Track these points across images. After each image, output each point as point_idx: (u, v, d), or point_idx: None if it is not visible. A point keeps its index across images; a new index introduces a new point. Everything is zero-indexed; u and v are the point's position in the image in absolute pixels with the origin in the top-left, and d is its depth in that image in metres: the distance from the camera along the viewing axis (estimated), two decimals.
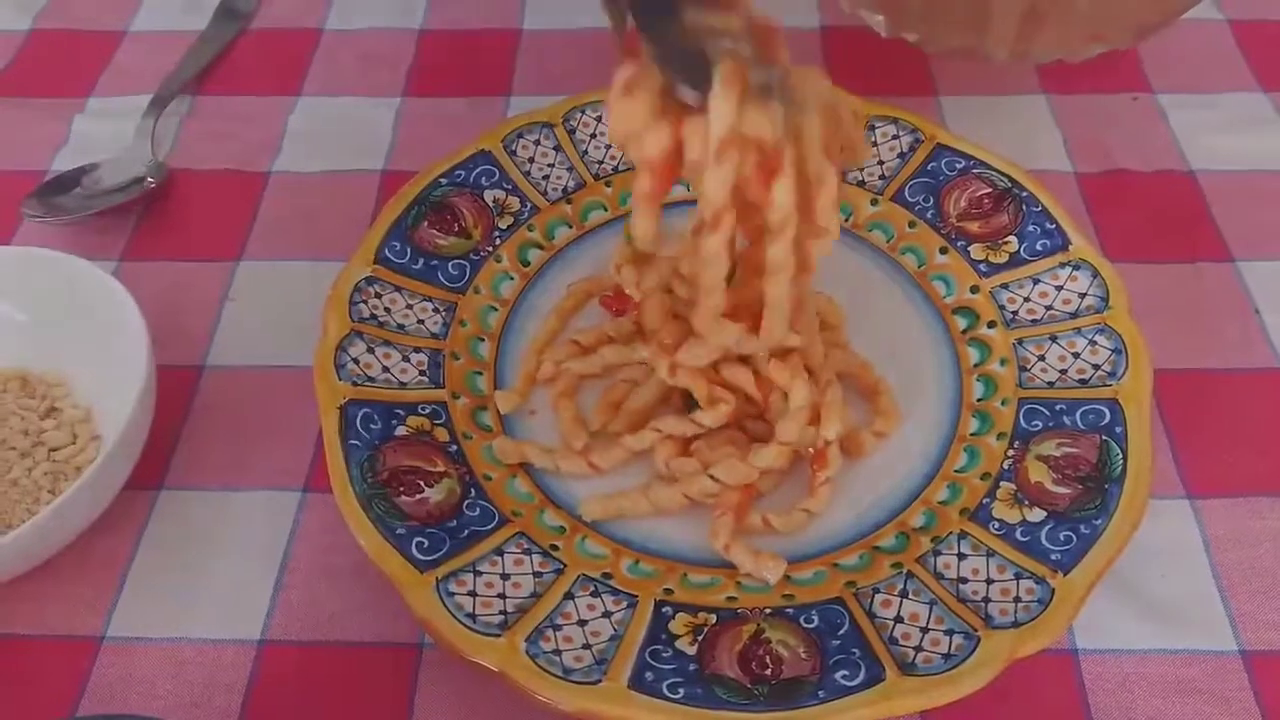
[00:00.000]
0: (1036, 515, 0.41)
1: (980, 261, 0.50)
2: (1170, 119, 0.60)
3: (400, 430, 0.44)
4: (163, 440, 0.47)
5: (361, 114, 0.61)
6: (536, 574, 0.40)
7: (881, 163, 0.53)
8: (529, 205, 0.53)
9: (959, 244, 0.50)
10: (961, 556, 0.40)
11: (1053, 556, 0.39)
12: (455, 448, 0.44)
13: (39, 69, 0.65)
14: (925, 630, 0.38)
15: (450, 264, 0.50)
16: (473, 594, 0.39)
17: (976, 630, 0.37)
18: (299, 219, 0.56)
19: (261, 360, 0.50)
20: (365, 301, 0.47)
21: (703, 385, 0.43)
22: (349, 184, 0.58)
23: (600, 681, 0.36)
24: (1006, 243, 0.50)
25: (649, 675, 0.37)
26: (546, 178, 0.54)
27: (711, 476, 0.42)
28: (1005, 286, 0.48)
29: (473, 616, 0.38)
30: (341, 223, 0.56)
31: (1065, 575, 0.38)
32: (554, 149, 0.54)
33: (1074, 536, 0.39)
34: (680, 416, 0.43)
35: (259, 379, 0.50)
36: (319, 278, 0.51)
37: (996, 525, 0.41)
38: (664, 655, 0.37)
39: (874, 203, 0.52)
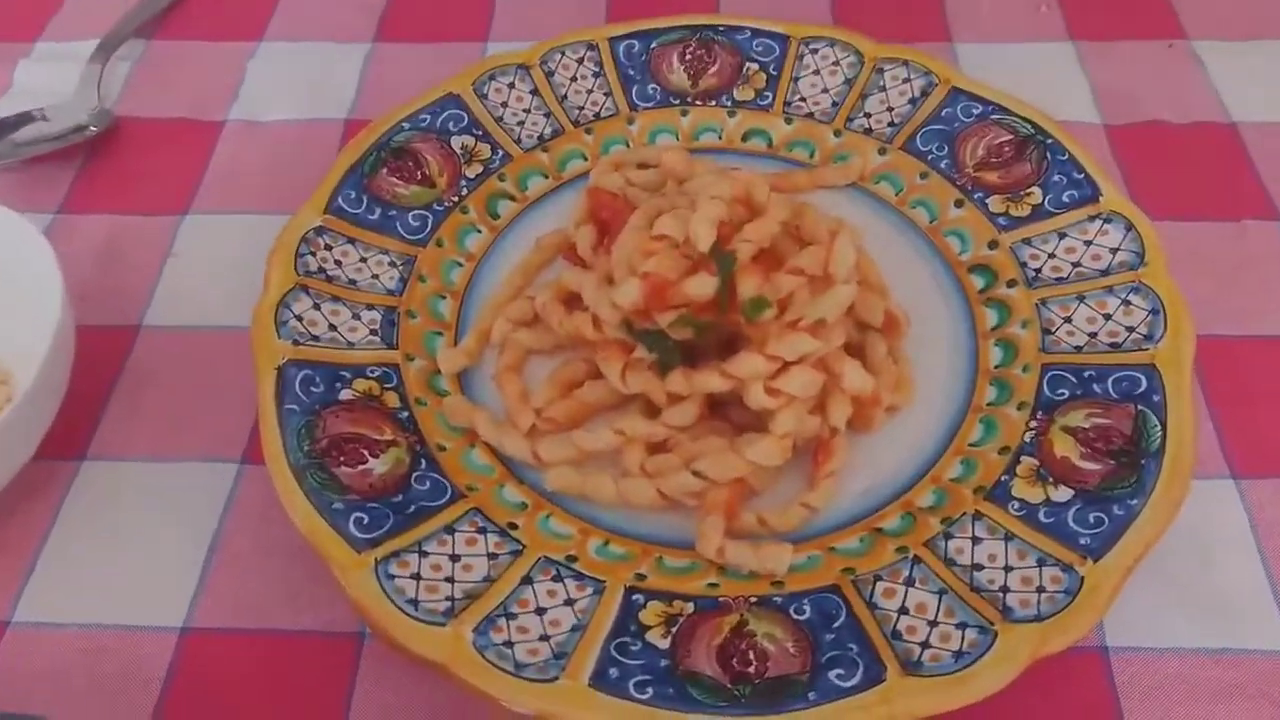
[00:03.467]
0: (1062, 494, 0.36)
1: (999, 215, 0.45)
2: (1208, 66, 0.55)
3: (345, 394, 0.39)
4: (88, 405, 0.43)
5: (327, 60, 0.57)
6: (491, 555, 0.35)
7: (891, 108, 0.48)
8: (501, 153, 0.48)
9: (976, 196, 0.45)
10: (976, 540, 0.35)
11: (1081, 541, 0.34)
12: (406, 414, 0.39)
13: None
14: (934, 624, 0.33)
15: (410, 214, 0.45)
16: (416, 577, 0.34)
17: (993, 624, 0.32)
18: (253, 171, 0.52)
19: (203, 321, 0.46)
20: (314, 253, 0.43)
21: (659, 390, 0.38)
22: (310, 134, 0.53)
23: (557, 679, 0.32)
24: (1029, 194, 0.45)
25: (614, 672, 0.32)
26: (521, 123, 0.49)
27: (696, 473, 0.36)
28: (1027, 242, 0.43)
29: (414, 602, 0.33)
30: (300, 175, 0.51)
31: (1096, 562, 0.33)
32: (530, 93, 0.50)
33: (1105, 518, 0.35)
34: (646, 418, 0.38)
35: (200, 340, 0.45)
36: (269, 233, 0.46)
37: (1016, 505, 0.36)
38: (632, 649, 0.33)
39: (882, 152, 0.48)
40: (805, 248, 0.39)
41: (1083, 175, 0.44)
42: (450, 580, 0.34)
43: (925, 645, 0.32)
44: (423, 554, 0.35)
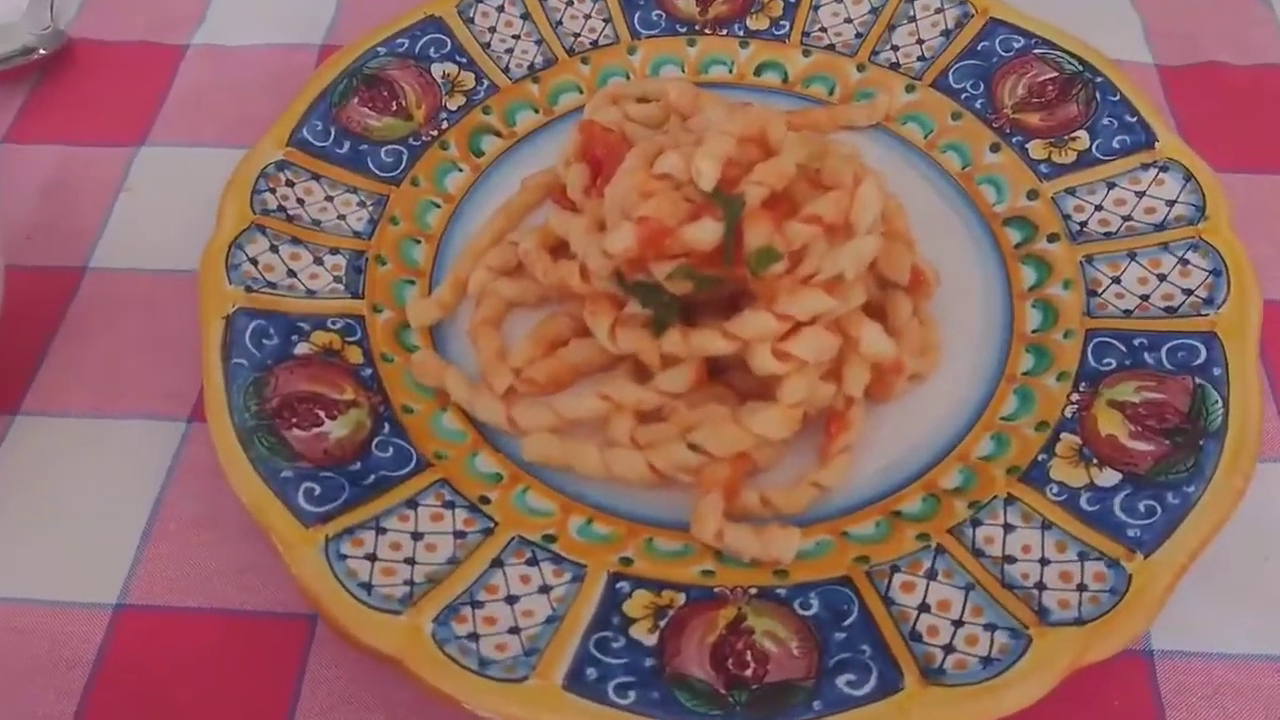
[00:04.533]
0: (1109, 478, 0.32)
1: (1041, 161, 0.40)
2: (1274, 3, 0.50)
3: (302, 348, 0.35)
4: (25, 354, 0.39)
5: None
6: (458, 534, 0.31)
7: (921, 41, 0.44)
8: (486, 83, 0.43)
9: (1015, 140, 0.41)
10: (1009, 528, 0.31)
11: (1130, 532, 0.30)
12: (370, 371, 0.35)
13: None
14: (959, 624, 0.29)
15: (383, 150, 0.41)
16: (372, 557, 0.30)
17: (1027, 627, 0.29)
18: (218, 100, 0.47)
19: (156, 263, 0.42)
20: (273, 190, 0.39)
21: (652, 351, 0.33)
22: (281, 60, 0.49)
23: (527, 678, 0.28)
24: (1075, 138, 0.40)
25: (592, 672, 0.28)
26: (510, 51, 0.44)
27: (692, 446, 0.32)
28: (1072, 191, 0.39)
29: (368, 587, 0.29)
30: (268, 104, 0.46)
31: (1146, 557, 0.30)
32: (521, 17, 0.45)
33: (1158, 507, 0.31)
34: (636, 383, 0.34)
35: (151, 284, 0.41)
36: (231, 168, 0.42)
37: (1055, 489, 0.32)
38: (614, 646, 0.29)
39: (910, 89, 0.43)
40: (825, 193, 0.34)
41: (1136, 119, 0.40)
42: (410, 562, 0.30)
43: (949, 649, 0.28)
44: (380, 531, 0.31)
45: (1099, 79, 0.41)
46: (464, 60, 0.43)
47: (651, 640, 0.29)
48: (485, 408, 0.34)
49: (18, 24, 0.49)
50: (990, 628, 0.29)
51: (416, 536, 0.31)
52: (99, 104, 0.47)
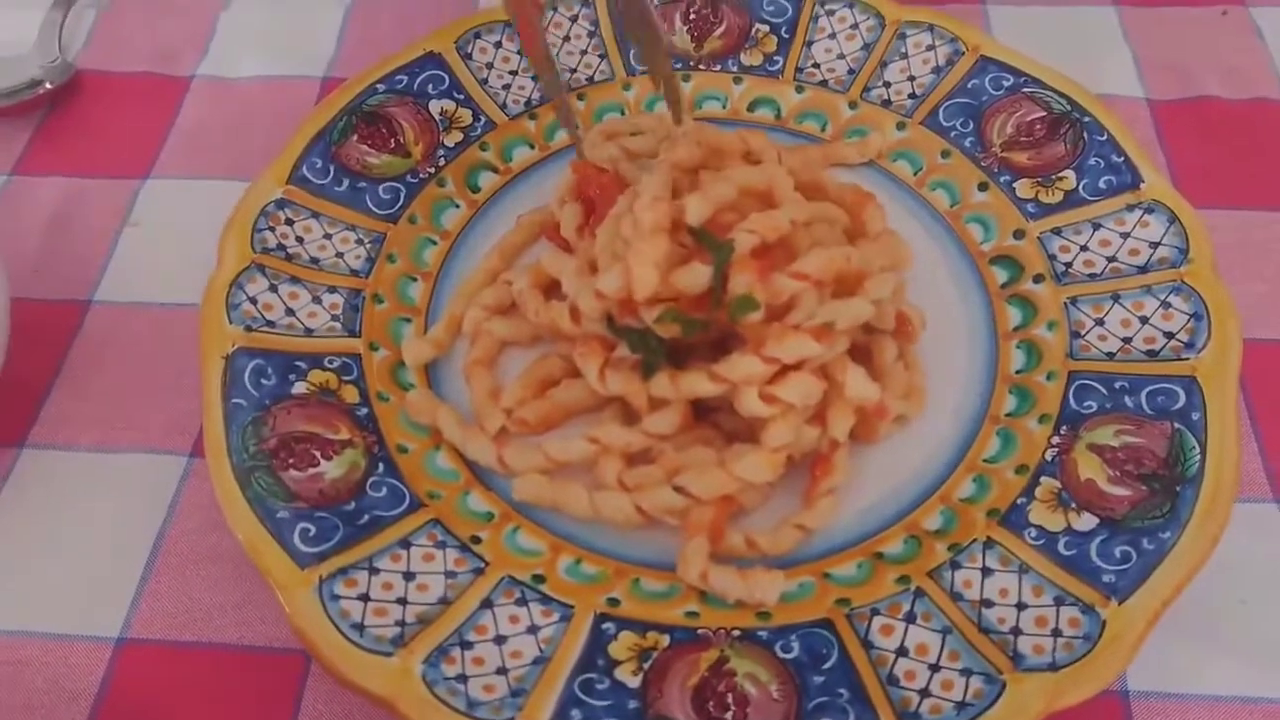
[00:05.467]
0: (1086, 523, 0.32)
1: (1028, 200, 0.40)
2: (1267, 36, 0.50)
3: (299, 387, 0.36)
4: (30, 387, 0.40)
5: (306, 11, 0.53)
6: (449, 574, 0.32)
7: (912, 78, 0.44)
8: (483, 119, 0.44)
9: (1002, 179, 0.41)
10: (987, 572, 0.32)
11: (1105, 578, 0.31)
12: (366, 411, 0.36)
13: None
14: (935, 668, 0.30)
15: (381, 187, 0.42)
16: (365, 598, 0.31)
17: (1001, 672, 0.29)
18: (222, 132, 0.48)
19: (160, 297, 0.43)
20: (273, 228, 0.39)
21: (640, 394, 0.34)
22: (283, 92, 0.50)
23: (513, 719, 0.28)
24: (1062, 178, 0.40)
25: (576, 714, 0.29)
26: (507, 87, 0.45)
27: (678, 489, 0.33)
28: (1058, 232, 0.39)
29: (360, 628, 0.30)
30: (271, 137, 0.47)
31: (1120, 604, 0.30)
32: (518, 53, 0.46)
33: (1134, 553, 0.31)
34: (624, 425, 0.34)
35: (155, 318, 0.42)
36: (234, 201, 0.42)
37: (1034, 533, 0.32)
38: (599, 688, 0.29)
39: (901, 126, 0.43)
40: (819, 250, 0.34)
41: (1123, 159, 0.40)
42: (402, 601, 0.31)
43: (925, 694, 0.29)
44: (373, 571, 0.32)
45: (1086, 118, 0.41)
46: (461, 97, 0.44)
47: (635, 682, 0.30)
48: (477, 448, 0.35)
49: (27, 56, 0.50)
50: (966, 672, 0.29)
51: (408, 576, 0.32)
52: (105, 136, 0.48)
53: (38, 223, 0.45)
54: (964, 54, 0.44)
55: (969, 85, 0.43)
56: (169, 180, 0.46)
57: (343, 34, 0.52)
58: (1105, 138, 0.41)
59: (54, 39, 0.51)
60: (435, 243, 0.41)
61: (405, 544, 0.33)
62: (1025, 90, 0.43)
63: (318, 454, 0.34)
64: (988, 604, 0.31)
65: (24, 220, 0.45)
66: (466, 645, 0.30)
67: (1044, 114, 0.42)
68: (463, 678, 0.29)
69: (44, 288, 0.43)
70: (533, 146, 0.44)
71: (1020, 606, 0.31)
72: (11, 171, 0.47)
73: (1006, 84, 0.43)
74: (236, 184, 0.45)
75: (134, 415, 0.39)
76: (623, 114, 0.45)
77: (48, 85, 0.48)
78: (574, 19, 0.46)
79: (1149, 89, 0.48)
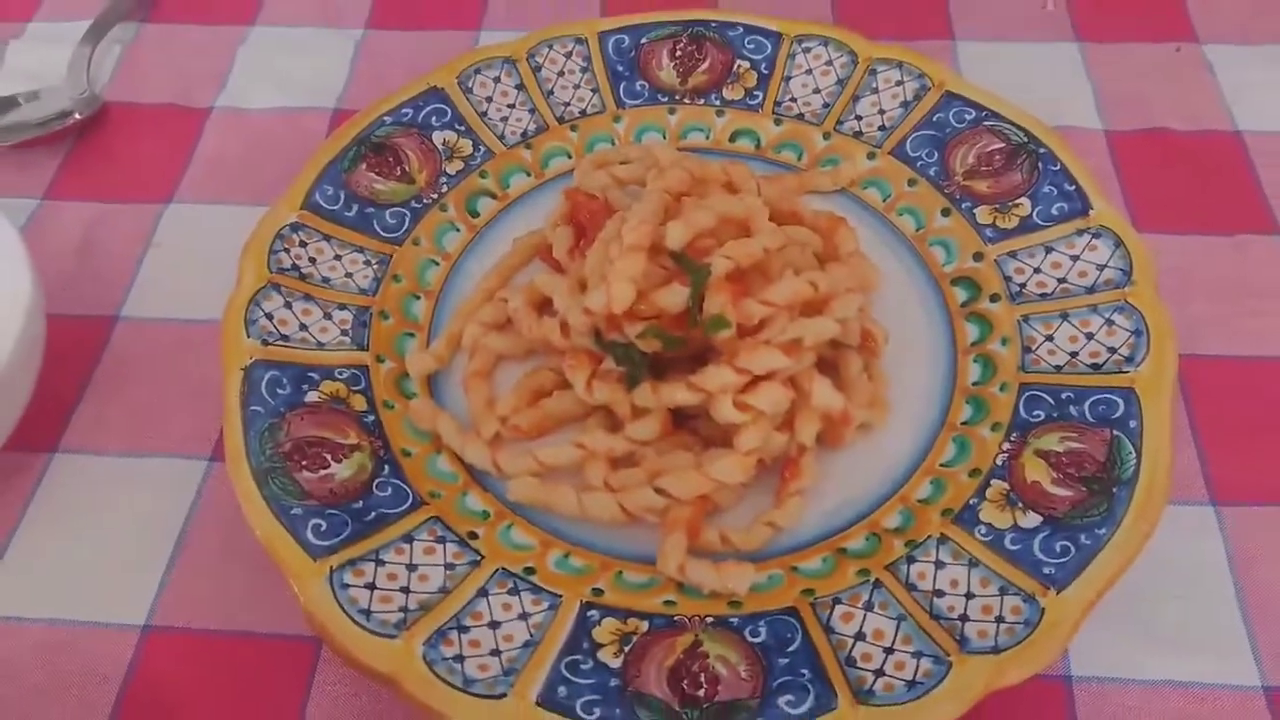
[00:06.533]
0: (1030, 520, 0.35)
1: (987, 225, 0.43)
2: (1217, 72, 0.53)
3: (311, 396, 0.39)
4: (62, 397, 0.43)
5: (318, 47, 0.56)
6: (448, 565, 0.35)
7: (882, 111, 0.47)
8: (483, 149, 0.47)
9: (964, 205, 0.44)
10: (940, 565, 0.35)
11: (1045, 570, 0.33)
12: (373, 418, 0.39)
13: None
14: (889, 651, 0.32)
15: (388, 212, 0.45)
16: (371, 586, 0.34)
17: (949, 654, 0.32)
18: (239, 160, 0.51)
19: (181, 314, 0.46)
20: (288, 250, 0.42)
21: (625, 403, 0.37)
22: (297, 123, 0.53)
23: (505, 695, 0.32)
24: (1018, 205, 0.44)
25: (563, 690, 0.32)
26: (505, 119, 0.48)
27: (659, 490, 0.36)
28: (1013, 255, 0.42)
29: (367, 613, 0.33)
30: (284, 165, 0.50)
31: (1058, 593, 0.33)
32: (516, 88, 0.49)
33: (1072, 547, 0.34)
34: (608, 432, 0.37)
35: (176, 334, 0.45)
36: (253, 225, 0.46)
37: (983, 530, 0.35)
38: (583, 667, 0.32)
39: (871, 156, 0.46)
40: (791, 275, 0.38)
41: (1074, 187, 0.43)
42: (405, 590, 0.34)
43: (879, 673, 0.32)
44: (379, 563, 0.35)
45: (1042, 149, 0.44)
46: (462, 128, 0.47)
47: (617, 663, 0.33)
48: (474, 452, 0.38)
49: (56, 88, 0.53)
50: (917, 655, 0.32)
51: (411, 568, 0.35)
52: (130, 163, 0.51)
53: (68, 244, 0.48)
54: (930, 89, 0.47)
55: (934, 118, 0.46)
56: (190, 205, 0.50)
57: (352, 69, 0.55)
58: (1059, 168, 0.44)
59: (83, 73, 0.54)
60: (437, 264, 0.44)
61: (408, 539, 0.36)
62: (986, 123, 0.46)
63: (328, 457, 0.37)
64: (939, 594, 0.34)
65: (55, 242, 0.48)
66: (463, 629, 0.33)
67: (1003, 145, 0.45)
68: (460, 658, 0.32)
69: (74, 304, 0.46)
70: (529, 174, 0.47)
71: (969, 596, 0.34)
72: (43, 196, 0.50)
73: (969, 117, 0.46)
74: (252, 209, 0.48)
75: (158, 423, 0.42)
76: (612, 144, 0.48)
77: (77, 116, 0.52)
78: (568, 55, 0.50)
79: (1107, 120, 0.51)
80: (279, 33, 0.57)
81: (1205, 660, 0.35)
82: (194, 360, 0.44)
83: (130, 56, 0.56)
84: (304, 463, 0.37)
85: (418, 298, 0.43)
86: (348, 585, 0.34)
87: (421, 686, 0.31)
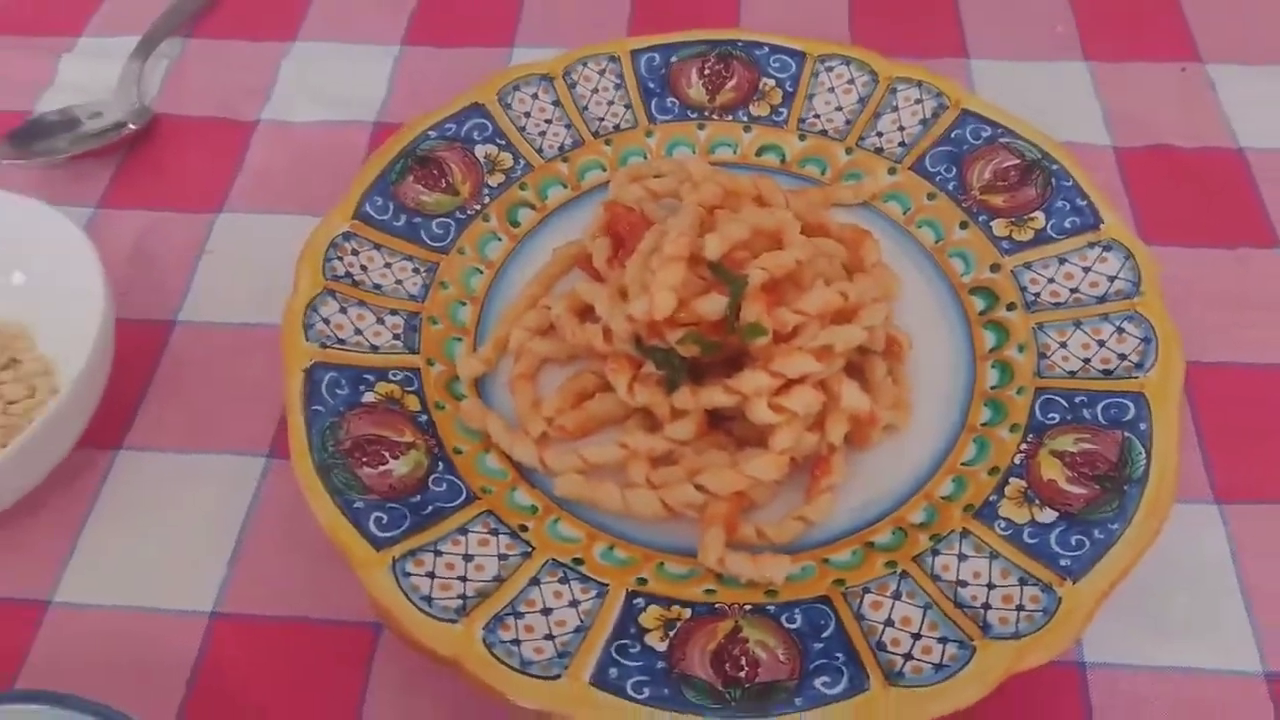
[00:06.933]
0: (1047, 516, 0.37)
1: (1003, 238, 0.46)
2: (1220, 91, 0.55)
3: (368, 396, 0.41)
4: (126, 397, 0.45)
5: (358, 62, 0.59)
6: (502, 556, 0.37)
7: (902, 128, 0.50)
8: (522, 162, 0.49)
9: (981, 218, 0.47)
10: (962, 558, 0.37)
11: (1062, 562, 0.36)
12: (425, 417, 0.41)
13: (29, 6, 0.62)
14: (917, 636, 0.35)
15: (434, 222, 0.47)
16: (431, 575, 0.36)
17: (973, 639, 0.34)
18: (284, 171, 0.54)
19: (235, 318, 0.48)
20: (341, 258, 0.45)
21: (663, 404, 0.39)
22: (339, 136, 0.55)
23: (560, 676, 0.34)
24: (1032, 219, 0.46)
25: (613, 672, 0.34)
26: (543, 134, 0.50)
27: (698, 486, 0.38)
28: (1028, 266, 0.45)
29: (429, 600, 0.35)
30: (328, 176, 0.53)
31: (1074, 583, 0.35)
32: (553, 104, 0.51)
33: (1087, 541, 0.36)
34: (648, 432, 0.40)
35: (231, 337, 0.47)
36: (299, 233, 0.48)
37: (1003, 525, 0.37)
38: (631, 651, 0.35)
39: (892, 171, 0.49)
40: (823, 285, 0.40)
41: (1085, 202, 0.45)
42: (463, 579, 0.36)
43: (908, 657, 0.34)
44: (437, 553, 0.37)
45: (1055, 166, 0.47)
46: (503, 142, 0.50)
47: (662, 647, 0.35)
48: (522, 451, 0.40)
49: (110, 101, 0.56)
50: (943, 640, 0.34)
51: (467, 558, 0.37)
52: (181, 174, 0.54)
53: (123, 251, 0.50)
54: (948, 107, 0.50)
55: (952, 135, 0.49)
56: (240, 214, 0.52)
57: (390, 83, 0.57)
58: (1071, 183, 0.46)
59: (133, 86, 0.56)
60: (481, 271, 0.47)
61: (463, 531, 0.38)
62: (1002, 140, 0.48)
63: (386, 454, 0.39)
64: (962, 584, 0.36)
65: (111, 249, 0.50)
66: (518, 615, 0.35)
67: (1018, 161, 0.48)
68: (516, 642, 0.35)
69: (133, 309, 0.48)
70: (565, 186, 0.50)
71: (990, 586, 0.36)
72: (97, 205, 0.52)
73: (985, 135, 0.48)
74: (300, 218, 0.51)
75: (217, 421, 0.44)
76: (645, 158, 0.50)
77: (131, 127, 0.54)
78: (601, 73, 0.52)
79: (1115, 137, 0.54)
80: (319, 48, 0.59)
81: (1210, 648, 0.37)
82: (249, 363, 0.46)
83: (177, 71, 0.59)
84: (364, 459, 0.39)
85: (464, 304, 0.45)
86: (409, 574, 0.36)
87: (483, 668, 0.34)
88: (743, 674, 0.34)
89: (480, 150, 0.49)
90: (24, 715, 0.32)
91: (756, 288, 0.38)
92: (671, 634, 0.35)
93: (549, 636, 0.35)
